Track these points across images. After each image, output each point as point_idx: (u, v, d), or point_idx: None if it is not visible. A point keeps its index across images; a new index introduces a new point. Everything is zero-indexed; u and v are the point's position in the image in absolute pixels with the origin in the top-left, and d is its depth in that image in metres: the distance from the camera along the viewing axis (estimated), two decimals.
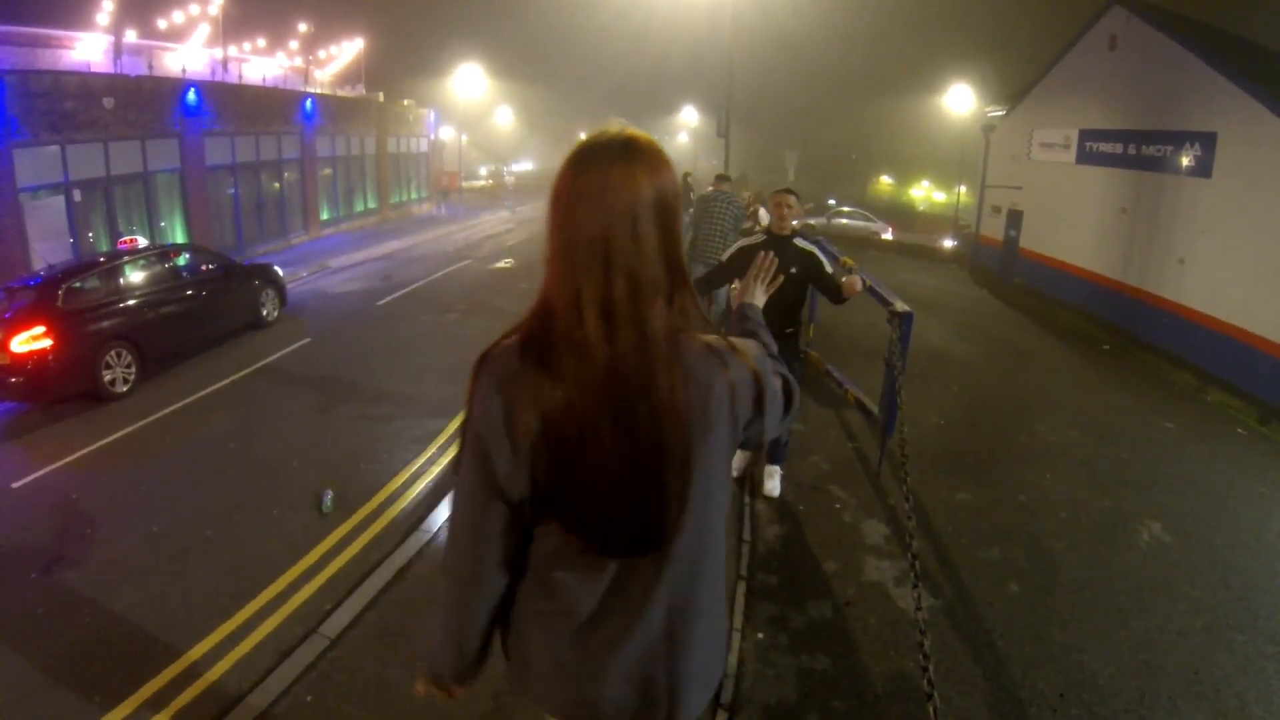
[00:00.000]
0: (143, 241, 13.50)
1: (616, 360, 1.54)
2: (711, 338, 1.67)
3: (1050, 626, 5.23)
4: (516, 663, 1.86)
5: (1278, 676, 4.88)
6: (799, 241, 6.09)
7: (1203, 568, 6.25)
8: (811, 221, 29.58)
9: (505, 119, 69.92)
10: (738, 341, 1.73)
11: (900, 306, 6.84)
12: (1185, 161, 14.15)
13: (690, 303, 1.65)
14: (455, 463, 1.71)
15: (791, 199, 6.23)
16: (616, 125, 1.71)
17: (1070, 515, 6.98)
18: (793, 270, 5.76)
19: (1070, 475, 7.93)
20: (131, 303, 10.83)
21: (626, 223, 1.56)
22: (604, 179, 1.57)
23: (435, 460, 8.01)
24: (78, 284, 10.27)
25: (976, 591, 5.58)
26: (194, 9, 25.62)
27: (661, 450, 1.58)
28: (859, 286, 5.85)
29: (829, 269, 6.08)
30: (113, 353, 10.14)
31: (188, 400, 9.94)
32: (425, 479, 7.60)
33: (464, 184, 49.37)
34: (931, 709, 2.97)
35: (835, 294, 6.01)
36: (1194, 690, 4.68)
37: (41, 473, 7.88)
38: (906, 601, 5.27)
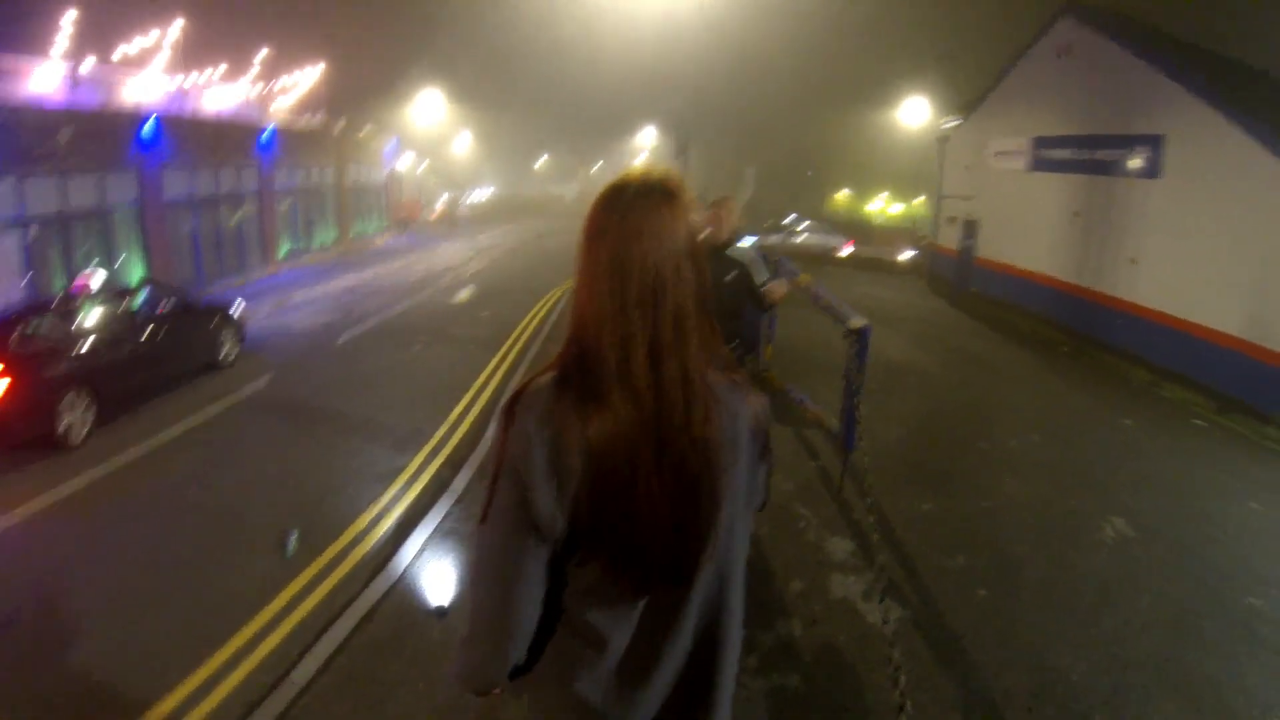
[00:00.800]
0: (101, 278, 13.32)
1: (661, 395, 1.58)
2: (730, 373, 1.73)
3: (1019, 628, 5.29)
4: (534, 705, 1.84)
5: (1249, 660, 4.97)
6: (730, 251, 6.23)
7: (1167, 559, 6.37)
8: (770, 240, 29.72)
9: (464, 145, 69.84)
10: (741, 380, 1.77)
11: (856, 323, 6.90)
12: (1135, 164, 14.45)
13: (717, 339, 1.70)
14: (484, 510, 1.65)
15: (733, 204, 6.40)
16: (644, 164, 1.74)
17: (1034, 518, 7.08)
18: (726, 279, 5.95)
19: (1032, 478, 8.03)
20: (88, 345, 10.60)
21: (674, 263, 1.61)
22: (656, 219, 1.61)
23: (400, 497, 7.94)
24: (33, 326, 10.06)
25: (944, 600, 5.62)
26: (152, 35, 25.34)
27: (697, 481, 1.61)
28: (780, 293, 6.18)
29: (758, 278, 6.35)
30: (69, 397, 9.91)
31: (147, 445, 9.78)
32: (391, 516, 7.52)
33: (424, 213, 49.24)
34: None
35: (760, 301, 6.26)
36: (1166, 680, 4.76)
37: None
38: (875, 615, 5.30)
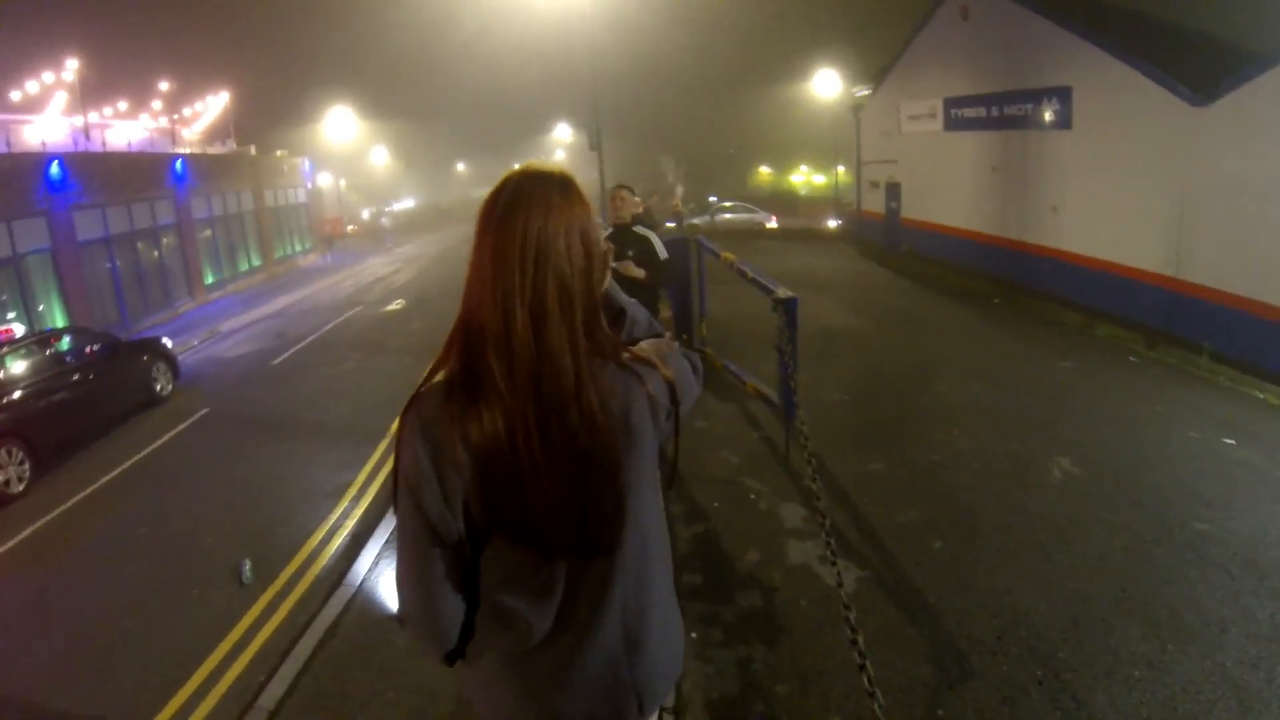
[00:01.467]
0: (20, 330, 12.98)
1: (545, 360, 1.56)
2: (627, 356, 1.71)
3: (978, 575, 5.37)
4: (475, 691, 1.85)
5: (1201, 582, 5.10)
6: (636, 229, 7.18)
7: (1114, 492, 6.52)
8: (695, 221, 29.83)
9: (381, 159, 69.11)
10: (644, 350, 1.77)
11: (782, 293, 6.96)
12: (1046, 116, 14.77)
13: (604, 328, 1.69)
14: (393, 504, 1.69)
15: (625, 193, 7.45)
16: (538, 161, 1.72)
17: (982, 466, 7.20)
18: (630, 254, 6.86)
19: (977, 428, 8.17)
20: (16, 396, 10.36)
21: (560, 232, 1.60)
22: (543, 194, 1.61)
23: (349, 513, 7.86)
24: None
25: (902, 555, 5.69)
26: (48, 77, 24.70)
27: (590, 460, 1.60)
28: (631, 271, 6.79)
29: (662, 254, 7.13)
30: (3, 451, 9.66)
31: (89, 490, 9.54)
32: (342, 532, 7.45)
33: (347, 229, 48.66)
34: (866, 679, 3.02)
35: (659, 272, 7.08)
36: (1124, 608, 4.87)
37: None
38: (834, 578, 5.35)
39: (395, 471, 1.63)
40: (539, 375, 1.56)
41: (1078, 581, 5.20)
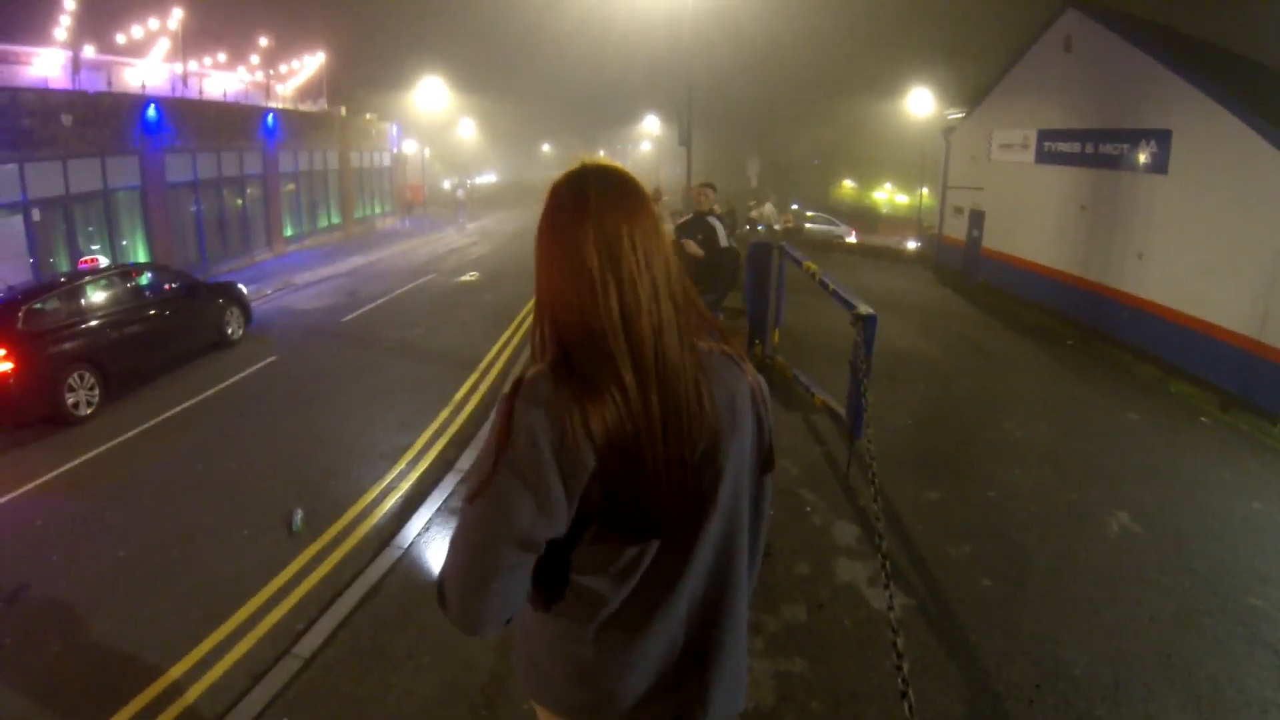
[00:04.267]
0: (104, 261, 13.35)
1: (661, 348, 1.58)
2: (719, 345, 1.74)
3: (1023, 619, 5.27)
4: (526, 667, 1.86)
5: (1248, 658, 4.95)
6: (709, 218, 9.34)
7: (1171, 555, 6.33)
8: (777, 228, 29.76)
9: (468, 132, 69.74)
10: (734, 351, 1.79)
11: (863, 309, 6.88)
12: (1142, 158, 14.38)
13: (699, 309, 1.71)
14: (476, 489, 1.57)
15: (709, 190, 9.80)
16: (591, 157, 1.72)
17: (1039, 509, 7.06)
18: (698, 236, 8.99)
19: (1037, 469, 8.01)
20: (94, 324, 10.70)
21: (655, 229, 1.63)
22: (627, 195, 1.63)
23: (405, 475, 7.98)
24: (38, 305, 10.12)
25: (949, 588, 5.62)
26: (153, 24, 25.29)
27: (695, 431, 1.61)
28: (691, 248, 8.84)
29: (723, 242, 9.24)
30: (75, 375, 9.99)
31: (153, 422, 9.82)
32: (395, 494, 7.56)
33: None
34: (907, 707, 2.98)
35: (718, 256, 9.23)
36: (1167, 675, 4.73)
37: (4, 500, 7.75)
38: (880, 601, 5.30)
39: (497, 461, 1.54)
40: (656, 358, 1.57)
41: (1123, 641, 5.07)
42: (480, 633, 1.65)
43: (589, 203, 1.60)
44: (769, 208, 31.74)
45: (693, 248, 8.77)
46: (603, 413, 1.53)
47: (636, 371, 1.55)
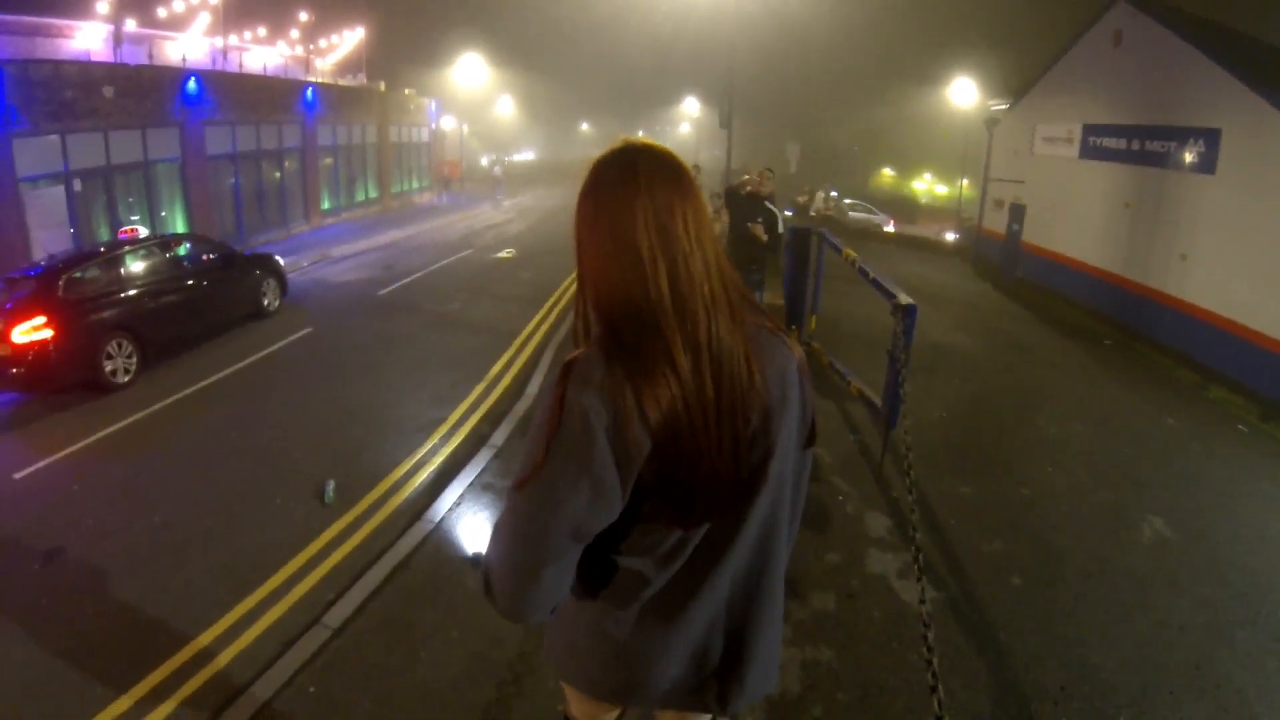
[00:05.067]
0: (143, 231, 13.49)
1: (717, 345, 1.57)
2: (764, 321, 1.75)
3: (1053, 620, 5.23)
4: (561, 649, 1.86)
5: (1279, 673, 4.88)
6: (767, 203, 9.62)
7: (1204, 564, 6.24)
8: (812, 213, 29.68)
9: (506, 109, 69.77)
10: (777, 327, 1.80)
11: (904, 299, 6.81)
12: (1189, 157, 14.11)
13: (744, 289, 1.70)
14: (526, 475, 1.54)
15: (768, 173, 10.20)
16: (637, 136, 1.70)
17: (1072, 509, 6.99)
18: (760, 220, 9.30)
19: (1072, 469, 7.92)
20: (132, 293, 10.83)
21: (702, 217, 1.62)
22: (674, 177, 1.61)
23: (438, 450, 8.02)
24: (78, 274, 10.26)
25: (980, 584, 5.58)
26: None
27: (749, 410, 1.62)
28: (759, 232, 9.28)
29: (780, 229, 9.58)
30: (114, 343, 10.14)
31: (189, 390, 9.95)
32: (428, 468, 7.60)
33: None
34: (936, 701, 2.96)
35: (775, 240, 9.62)
36: (1195, 685, 4.67)
37: (43, 463, 7.88)
38: (910, 594, 5.27)
39: (548, 447, 1.50)
40: (705, 337, 1.55)
41: (1153, 649, 5.01)
42: (526, 620, 1.63)
43: (639, 180, 1.58)
44: (820, 195, 32.24)
45: (759, 231, 9.09)
46: (657, 394, 1.50)
47: (691, 353, 1.54)
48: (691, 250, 1.56)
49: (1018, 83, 23.64)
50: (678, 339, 1.53)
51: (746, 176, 10.01)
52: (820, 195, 33.57)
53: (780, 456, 1.70)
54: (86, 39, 20.49)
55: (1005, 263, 21.83)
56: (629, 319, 1.55)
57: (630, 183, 1.58)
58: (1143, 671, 4.75)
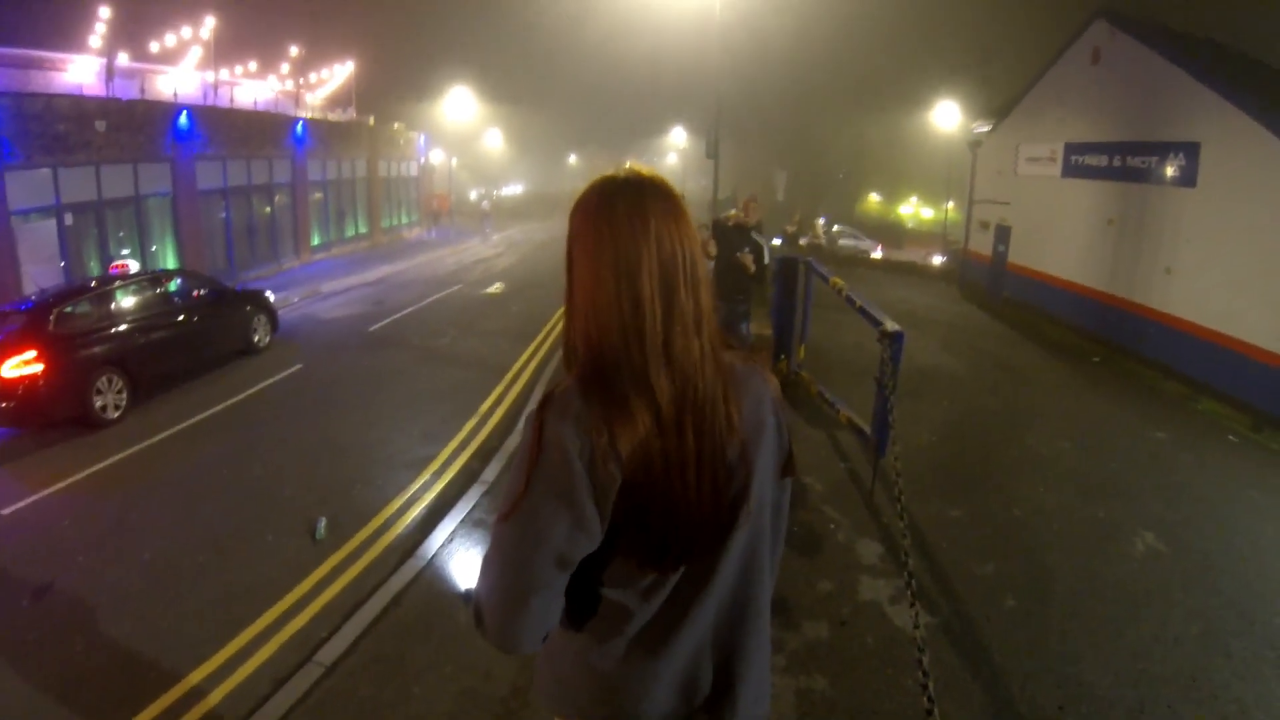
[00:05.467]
0: (134, 266, 13.53)
1: (692, 370, 1.57)
2: (737, 352, 1.74)
3: (1047, 639, 5.24)
4: (549, 682, 1.84)
5: (1276, 680, 4.89)
6: (753, 233, 9.32)
7: (1197, 575, 6.26)
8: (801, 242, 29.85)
9: (495, 142, 70.07)
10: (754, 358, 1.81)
11: (890, 326, 6.85)
12: (1170, 172, 14.24)
13: (715, 320, 1.69)
14: (509, 506, 1.55)
15: (754, 204, 9.65)
16: (622, 167, 1.71)
17: (1063, 527, 7.00)
18: (747, 249, 8.97)
19: (1062, 487, 7.95)
20: (123, 328, 10.82)
21: (685, 243, 1.61)
22: (664, 205, 1.61)
23: (429, 486, 8.01)
24: (69, 309, 10.27)
25: (973, 607, 5.58)
26: (186, 32, 25.61)
27: (726, 450, 1.62)
28: (747, 261, 8.92)
29: (767, 259, 9.58)
30: (104, 378, 10.12)
31: (179, 426, 9.92)
32: (419, 505, 7.59)
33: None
34: None
35: (762, 271, 9.43)
36: (1192, 697, 4.68)
37: (32, 499, 7.86)
38: (903, 619, 5.27)
39: (529, 478, 1.53)
40: (685, 382, 1.57)
41: (1148, 662, 5.01)
42: (518, 650, 1.64)
43: (649, 218, 1.58)
44: (820, 224, 32.67)
45: (747, 261, 8.89)
46: (632, 435, 1.51)
47: (675, 402, 1.55)
48: (687, 295, 1.58)
49: (1000, 104, 23.84)
50: (664, 386, 1.54)
51: (733, 211, 9.93)
52: (820, 223, 33.84)
53: (758, 487, 1.70)
54: (79, 72, 20.54)
55: (991, 284, 21.93)
56: (614, 357, 1.56)
57: (638, 218, 1.57)
58: (1139, 685, 4.76)
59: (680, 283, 1.58)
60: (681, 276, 1.58)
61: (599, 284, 1.58)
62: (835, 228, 41.13)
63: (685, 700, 1.75)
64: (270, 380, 12.02)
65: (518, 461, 1.57)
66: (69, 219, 17.04)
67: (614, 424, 1.51)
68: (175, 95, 22.36)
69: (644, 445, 1.52)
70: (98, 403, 9.96)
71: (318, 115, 31.63)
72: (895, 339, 6.77)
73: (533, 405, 1.61)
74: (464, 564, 6.31)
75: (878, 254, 37.68)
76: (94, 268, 17.36)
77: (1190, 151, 13.67)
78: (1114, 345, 15.53)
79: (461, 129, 59.78)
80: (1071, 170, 17.97)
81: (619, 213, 1.58)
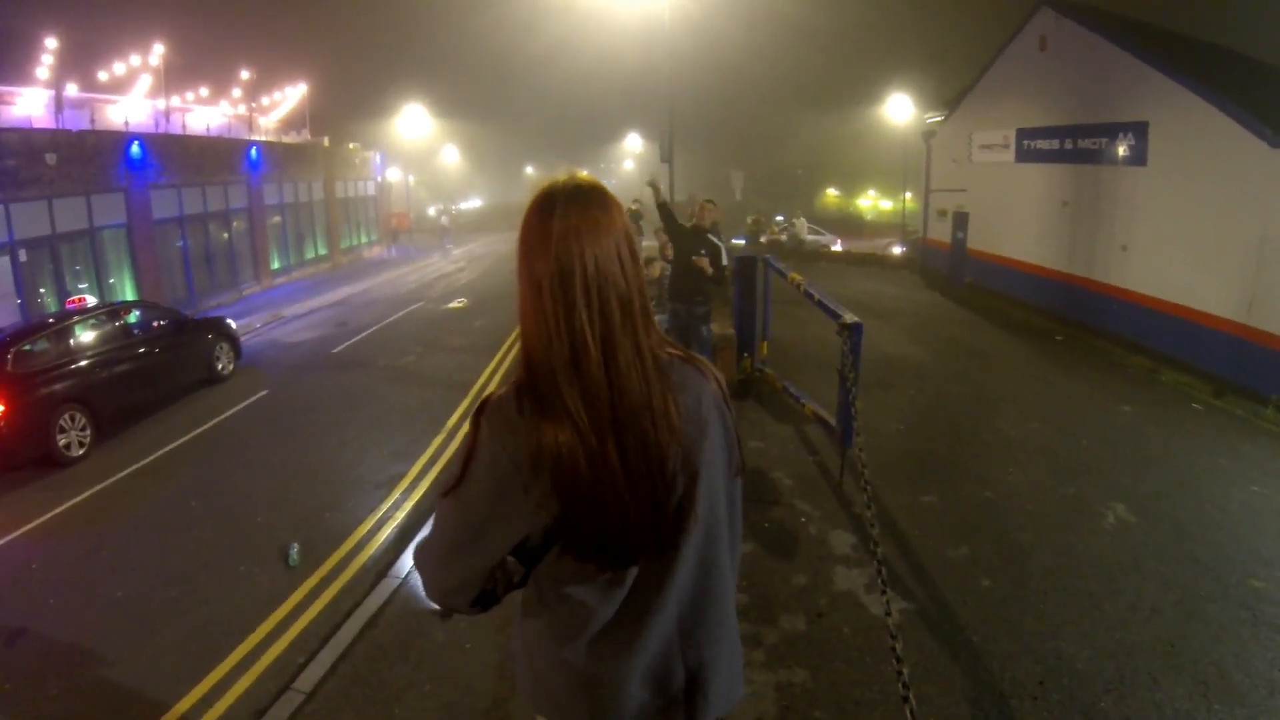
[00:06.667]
0: (92, 300, 13.33)
1: (616, 379, 1.60)
2: (677, 351, 1.76)
3: (1024, 617, 5.27)
4: (526, 677, 1.87)
5: (1253, 641, 4.96)
6: (710, 235, 9.09)
7: (1170, 544, 6.34)
8: (763, 239, 29.91)
9: (452, 157, 69.87)
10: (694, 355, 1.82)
11: (849, 318, 6.91)
12: (1121, 151, 14.47)
13: (655, 322, 1.73)
14: (449, 486, 1.69)
15: (711, 205, 9.51)
16: (566, 172, 1.73)
17: (1036, 506, 7.06)
18: (702, 252, 8.81)
19: (1032, 467, 8.02)
20: (83, 364, 10.66)
21: (613, 254, 1.63)
22: (590, 216, 1.62)
23: (400, 505, 7.97)
24: (28, 347, 10.11)
25: (949, 591, 5.61)
26: (135, 60, 25.38)
27: (664, 455, 1.64)
28: (704, 264, 8.72)
29: (724, 260, 9.12)
30: (66, 416, 9.95)
31: (146, 460, 9.79)
32: (391, 524, 7.55)
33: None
34: (908, 711, 2.98)
35: (719, 272, 8.98)
36: (1172, 664, 4.73)
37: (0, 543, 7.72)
38: (879, 608, 5.29)
39: (464, 474, 1.65)
40: (612, 394, 1.59)
41: (1126, 632, 5.07)
42: (449, 604, 1.82)
43: (548, 233, 1.61)
44: (802, 221, 33.21)
45: (704, 264, 8.78)
46: (557, 443, 1.57)
47: (589, 411, 1.59)
48: (617, 303, 1.62)
49: (951, 94, 24.09)
50: (576, 398, 1.58)
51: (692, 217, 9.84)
52: (799, 222, 34.59)
53: (706, 487, 1.73)
54: (27, 105, 20.28)
55: (952, 271, 22.14)
56: (540, 366, 1.62)
57: (569, 227, 1.61)
58: (1118, 656, 4.80)
59: (610, 291, 1.61)
60: (611, 284, 1.61)
61: (530, 292, 1.63)
62: (797, 221, 41.23)
63: (659, 693, 1.79)
64: (236, 408, 11.89)
65: (460, 450, 1.74)
66: (23, 255, 16.78)
67: (541, 431, 1.58)
68: (126, 124, 22.12)
69: (570, 452, 1.57)
70: (61, 441, 9.80)
71: (272, 138, 31.43)
72: (854, 330, 6.83)
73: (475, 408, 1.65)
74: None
75: (838, 247, 37.84)
76: (51, 304, 17.09)
77: (1139, 131, 13.90)
78: (1076, 323, 15.75)
79: (417, 146, 59.63)
80: (1025, 155, 18.21)
81: (551, 221, 1.62)
